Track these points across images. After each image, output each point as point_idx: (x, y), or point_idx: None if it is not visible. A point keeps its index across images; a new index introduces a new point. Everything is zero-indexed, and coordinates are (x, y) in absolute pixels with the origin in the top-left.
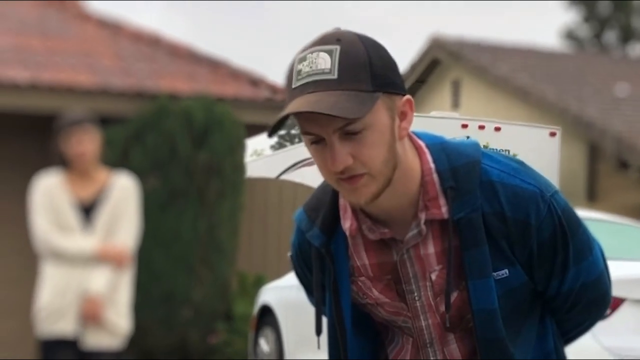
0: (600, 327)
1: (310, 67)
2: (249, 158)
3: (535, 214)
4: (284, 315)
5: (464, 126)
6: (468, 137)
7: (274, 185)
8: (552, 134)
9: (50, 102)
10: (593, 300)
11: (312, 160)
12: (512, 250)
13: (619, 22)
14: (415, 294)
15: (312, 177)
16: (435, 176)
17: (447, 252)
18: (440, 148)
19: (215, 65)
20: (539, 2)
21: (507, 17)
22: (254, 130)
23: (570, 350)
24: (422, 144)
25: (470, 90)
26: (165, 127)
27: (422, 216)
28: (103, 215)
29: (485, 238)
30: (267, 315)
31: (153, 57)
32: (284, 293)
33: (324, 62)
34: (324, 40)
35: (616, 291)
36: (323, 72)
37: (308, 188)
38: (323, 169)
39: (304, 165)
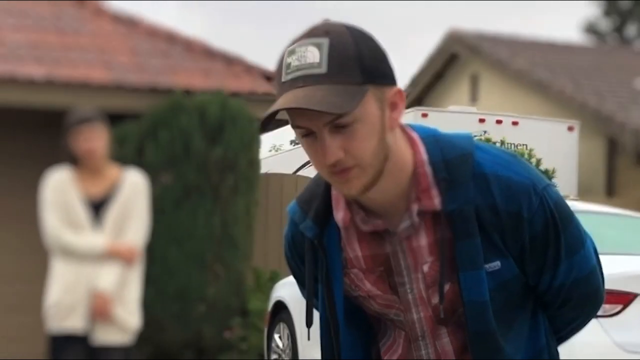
0: (611, 322)
1: (299, 61)
2: (267, 153)
3: (528, 206)
4: (297, 310)
5: (482, 120)
6: (485, 132)
7: (290, 181)
8: (570, 129)
9: (66, 98)
10: (585, 297)
11: None
12: (504, 242)
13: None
14: (407, 286)
15: None
16: (427, 168)
17: (440, 244)
18: (433, 140)
19: (229, 61)
20: None
21: (527, 11)
22: (268, 125)
23: (582, 345)
24: (414, 135)
25: (488, 84)
26: (179, 123)
27: (415, 208)
28: (113, 212)
29: (478, 230)
30: (281, 310)
31: (168, 53)
32: (298, 288)
33: (313, 55)
34: (313, 33)
35: (630, 286)
36: (312, 66)
37: None
38: (315, 162)
39: None
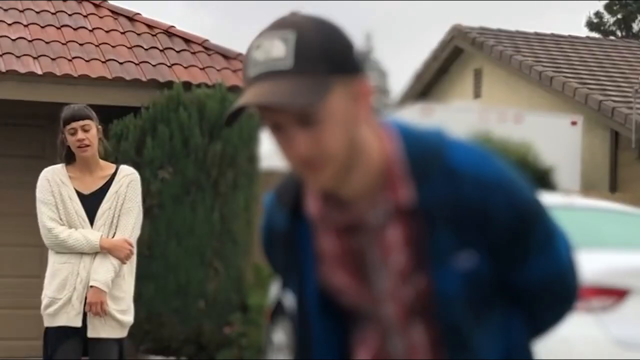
0: (610, 317)
1: (265, 55)
2: (270, 148)
3: (498, 201)
4: None
5: (484, 115)
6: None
7: None
8: (573, 123)
9: (66, 92)
10: (557, 293)
11: None
12: (474, 237)
13: None
14: (379, 280)
15: None
16: (397, 161)
17: (411, 238)
18: (403, 133)
19: (229, 56)
20: None
21: (534, 10)
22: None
23: (580, 339)
24: (385, 128)
25: (492, 79)
26: (179, 118)
27: (384, 201)
28: (106, 207)
29: (448, 225)
30: (282, 306)
31: (168, 48)
32: None
33: (278, 50)
34: (279, 26)
35: (627, 282)
36: (277, 60)
37: None
38: (284, 156)
39: None
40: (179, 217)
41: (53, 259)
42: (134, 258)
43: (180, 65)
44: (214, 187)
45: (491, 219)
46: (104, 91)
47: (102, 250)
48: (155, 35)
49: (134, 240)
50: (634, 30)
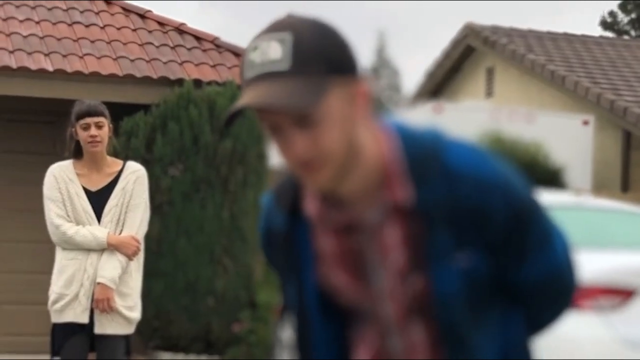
0: (616, 317)
1: (262, 57)
2: None
3: (495, 201)
4: None
5: (495, 115)
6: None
7: None
8: (585, 123)
9: (77, 89)
10: (554, 292)
11: None
12: (471, 236)
13: None
14: (377, 280)
15: None
16: (394, 161)
17: (409, 238)
18: (400, 133)
19: (240, 54)
20: None
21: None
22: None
23: (587, 339)
24: (383, 128)
25: (504, 77)
26: (189, 115)
27: (382, 201)
28: (113, 204)
29: (446, 225)
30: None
31: (178, 45)
32: None
33: (275, 51)
34: (276, 28)
35: (634, 281)
36: (274, 62)
37: None
38: (283, 156)
39: None
40: (189, 214)
41: (60, 256)
42: (141, 254)
43: (191, 62)
44: (223, 185)
45: (489, 219)
46: (115, 88)
47: (109, 247)
48: (166, 32)
49: (141, 237)
50: None
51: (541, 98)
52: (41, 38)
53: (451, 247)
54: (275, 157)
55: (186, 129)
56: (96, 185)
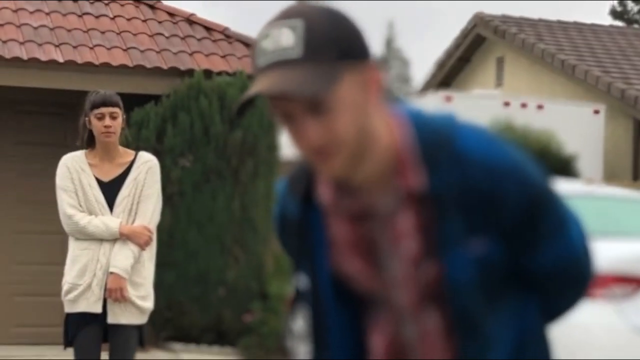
0: (629, 305)
1: (274, 45)
2: None
3: (508, 187)
4: None
5: (507, 104)
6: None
7: None
8: (596, 112)
9: (87, 80)
10: (569, 279)
11: None
12: (484, 223)
13: None
14: (390, 267)
15: None
16: (407, 148)
17: (422, 224)
18: (413, 119)
19: (250, 44)
20: None
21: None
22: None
23: (598, 327)
24: (395, 114)
25: (514, 67)
26: (199, 106)
27: (395, 188)
28: (125, 194)
29: (459, 211)
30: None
31: (188, 35)
32: None
33: (287, 38)
34: (287, 15)
35: None
36: (286, 49)
37: None
38: (295, 144)
39: None
40: (199, 204)
41: (73, 246)
42: (154, 244)
43: (201, 53)
44: (234, 175)
45: (501, 205)
46: (125, 79)
47: (122, 237)
48: (176, 23)
49: (153, 227)
50: None
51: (551, 87)
52: (51, 29)
53: (464, 233)
54: (285, 148)
55: (197, 120)
56: (108, 176)
